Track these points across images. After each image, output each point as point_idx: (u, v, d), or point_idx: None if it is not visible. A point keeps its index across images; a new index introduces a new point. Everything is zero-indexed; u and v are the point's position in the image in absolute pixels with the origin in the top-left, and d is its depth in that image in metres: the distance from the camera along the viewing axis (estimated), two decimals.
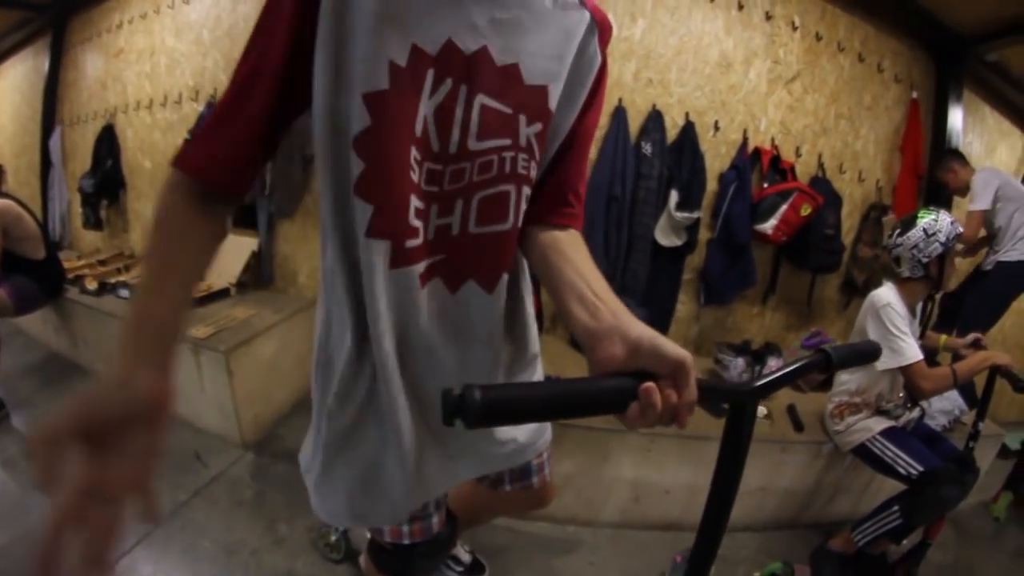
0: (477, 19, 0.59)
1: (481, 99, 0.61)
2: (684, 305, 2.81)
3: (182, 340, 0.54)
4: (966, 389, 2.39)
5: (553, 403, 0.45)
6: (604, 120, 2.54)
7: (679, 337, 2.89)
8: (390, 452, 0.71)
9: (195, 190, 0.57)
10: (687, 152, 2.49)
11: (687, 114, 2.58)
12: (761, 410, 2.22)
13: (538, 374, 0.89)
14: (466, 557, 1.73)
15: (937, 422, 2.54)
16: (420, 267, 0.64)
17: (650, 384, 0.46)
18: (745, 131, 2.66)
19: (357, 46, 0.54)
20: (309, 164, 2.80)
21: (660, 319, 2.67)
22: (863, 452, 1.98)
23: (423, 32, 0.57)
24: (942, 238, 1.76)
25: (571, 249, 0.67)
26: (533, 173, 0.67)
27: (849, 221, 2.86)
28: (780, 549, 2.23)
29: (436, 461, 0.77)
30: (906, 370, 1.79)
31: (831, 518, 2.35)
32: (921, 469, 1.79)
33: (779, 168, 2.62)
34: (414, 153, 0.59)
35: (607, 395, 0.47)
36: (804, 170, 2.76)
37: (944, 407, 2.54)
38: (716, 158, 2.64)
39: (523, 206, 0.67)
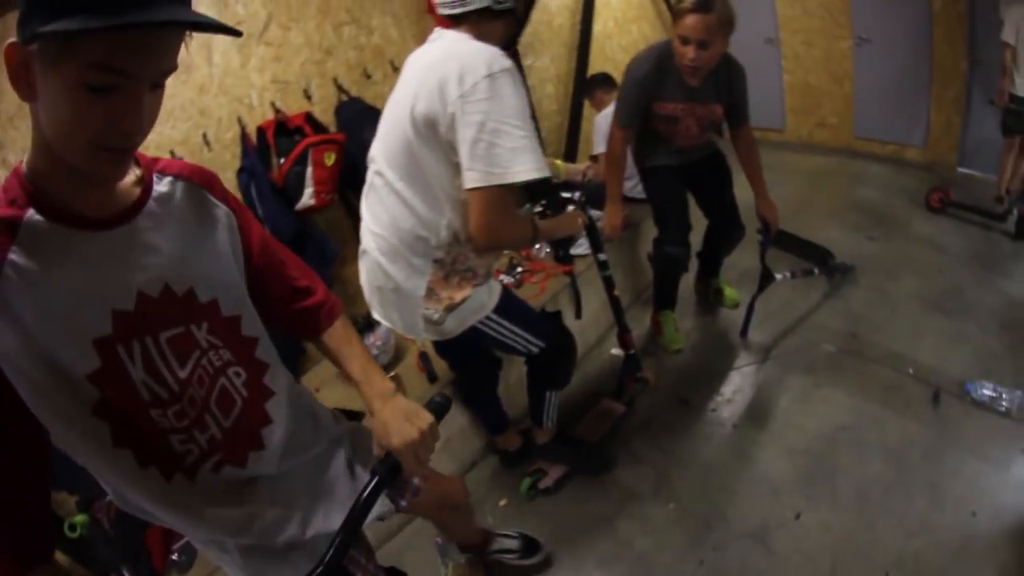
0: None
1: (164, 335, 0.69)
2: None
3: None
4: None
5: None
6: None
7: None
8: None
9: None
10: None
11: (172, 154, 2.16)
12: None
13: None
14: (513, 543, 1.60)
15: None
16: (208, 465, 0.75)
17: None
18: (239, 120, 2.27)
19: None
20: None
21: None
22: (472, 334, 1.41)
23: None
24: None
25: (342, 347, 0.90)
26: (230, 356, 0.77)
27: None
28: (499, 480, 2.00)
29: None
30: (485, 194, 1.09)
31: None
32: (543, 345, 1.50)
33: (289, 131, 2.26)
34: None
35: None
36: (326, 106, 2.42)
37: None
38: (226, 170, 2.26)
39: (242, 379, 0.78)
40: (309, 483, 0.86)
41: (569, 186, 1.62)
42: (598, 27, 3.02)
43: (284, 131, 2.26)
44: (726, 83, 1.81)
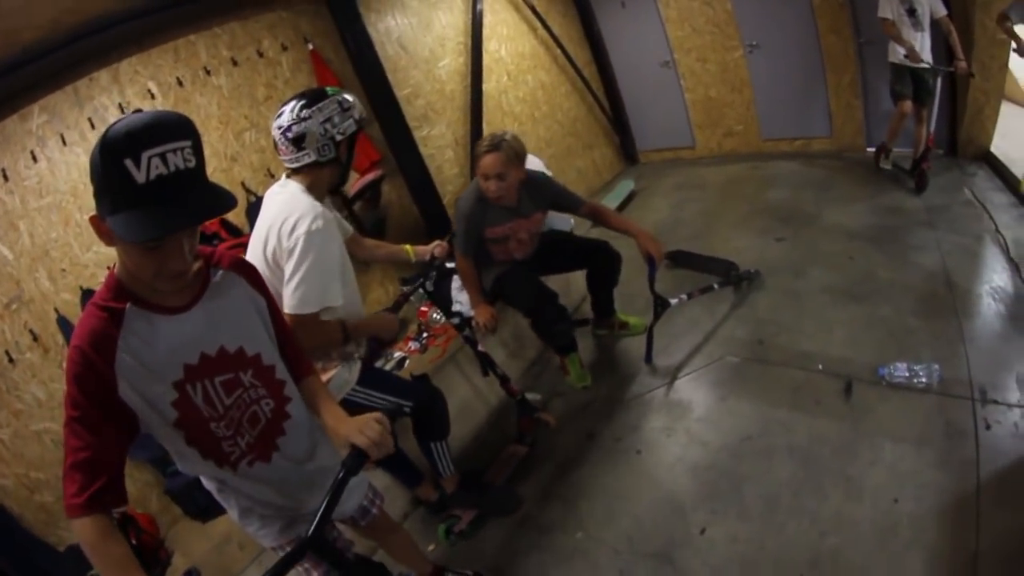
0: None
1: (218, 379, 1.04)
2: None
3: None
4: None
5: None
6: None
7: None
8: None
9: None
10: None
11: (109, 269, 2.35)
12: None
13: None
14: None
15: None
16: (245, 461, 1.12)
17: None
18: None
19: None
20: None
21: None
22: (348, 407, 1.69)
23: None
24: (356, 115, 1.48)
25: (313, 392, 1.21)
26: (265, 392, 1.12)
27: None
28: (427, 528, 2.05)
29: None
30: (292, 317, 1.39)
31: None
32: (411, 403, 1.73)
33: (207, 237, 2.45)
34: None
35: None
36: (238, 209, 2.56)
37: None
38: None
39: (270, 407, 1.13)
40: (314, 482, 1.20)
41: (422, 266, 1.80)
42: (491, 84, 3.20)
43: (203, 237, 2.44)
44: (536, 193, 2.13)
